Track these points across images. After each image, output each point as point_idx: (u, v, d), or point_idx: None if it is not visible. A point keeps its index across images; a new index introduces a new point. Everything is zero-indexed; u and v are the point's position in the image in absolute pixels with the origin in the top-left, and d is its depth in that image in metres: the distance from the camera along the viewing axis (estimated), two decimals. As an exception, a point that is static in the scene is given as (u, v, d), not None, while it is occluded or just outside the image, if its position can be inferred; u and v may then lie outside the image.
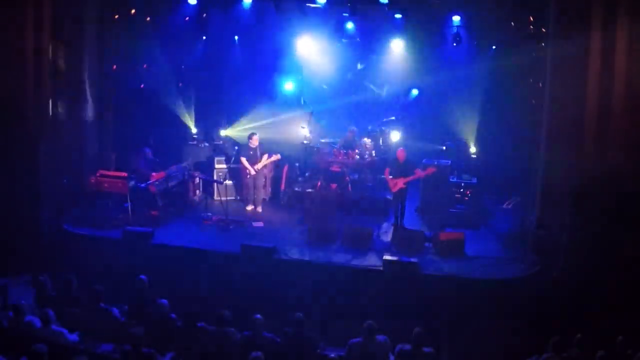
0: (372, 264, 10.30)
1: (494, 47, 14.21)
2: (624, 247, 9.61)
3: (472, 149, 14.40)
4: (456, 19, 13.64)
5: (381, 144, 15.05)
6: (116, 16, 12.99)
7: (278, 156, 13.16)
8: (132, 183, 11.87)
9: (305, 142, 14.98)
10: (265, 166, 13.12)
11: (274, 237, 11.26)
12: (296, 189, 13.89)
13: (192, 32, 14.95)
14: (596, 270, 9.59)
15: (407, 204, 12.27)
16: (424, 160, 13.09)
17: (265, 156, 12.95)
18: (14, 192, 11.05)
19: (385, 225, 12.18)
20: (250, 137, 13.00)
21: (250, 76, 15.94)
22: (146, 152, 12.60)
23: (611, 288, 9.38)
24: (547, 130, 10.82)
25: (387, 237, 11.53)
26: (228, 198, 13.54)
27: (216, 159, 14.02)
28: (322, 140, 15.19)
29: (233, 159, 13.80)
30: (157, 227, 11.39)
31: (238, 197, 13.70)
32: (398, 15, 13.86)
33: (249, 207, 13.06)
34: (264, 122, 15.09)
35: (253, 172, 12.81)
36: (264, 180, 13.41)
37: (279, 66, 16.01)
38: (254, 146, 12.91)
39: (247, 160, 12.89)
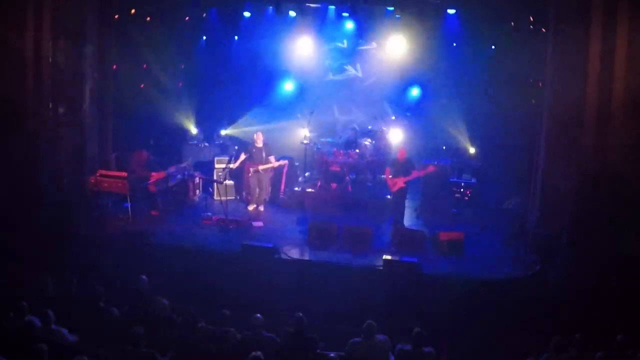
0: (372, 264, 10.30)
1: (493, 46, 14.21)
2: (624, 247, 9.61)
3: (472, 149, 14.40)
4: (456, 19, 13.64)
5: (381, 144, 15.04)
6: (116, 16, 12.99)
7: (285, 162, 13.14)
8: (132, 183, 11.86)
9: (305, 142, 14.99)
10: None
11: (274, 237, 11.26)
12: (296, 189, 13.90)
13: (192, 32, 14.96)
14: (596, 270, 9.59)
15: (407, 204, 12.28)
16: (423, 161, 13.09)
17: (272, 158, 12.90)
18: (14, 192, 11.05)
19: (385, 225, 12.17)
20: (255, 135, 12.99)
21: (250, 76, 15.95)
22: (142, 155, 12.47)
23: (611, 288, 9.38)
24: (547, 130, 10.83)
25: (387, 237, 11.52)
26: (228, 198, 13.56)
27: (216, 159, 14.03)
28: (323, 139, 15.20)
29: (232, 159, 13.80)
30: (157, 227, 11.39)
31: (238, 197, 13.69)
32: (398, 15, 13.86)
33: (251, 207, 13.03)
34: (263, 121, 15.10)
35: (249, 165, 12.78)
36: (267, 179, 13.41)
37: (279, 66, 16.00)
38: (259, 146, 12.89)
39: (250, 159, 12.86)
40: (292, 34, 15.07)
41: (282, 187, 13.89)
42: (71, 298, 8.31)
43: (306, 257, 10.62)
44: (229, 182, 13.63)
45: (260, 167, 12.84)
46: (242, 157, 12.99)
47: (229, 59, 15.99)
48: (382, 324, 7.68)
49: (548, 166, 10.81)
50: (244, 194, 13.61)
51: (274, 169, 13.27)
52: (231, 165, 13.00)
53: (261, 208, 13.09)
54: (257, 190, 13.08)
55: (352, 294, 9.88)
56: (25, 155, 11.27)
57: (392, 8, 13.51)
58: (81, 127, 12.17)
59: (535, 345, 7.93)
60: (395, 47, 14.88)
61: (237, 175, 13.66)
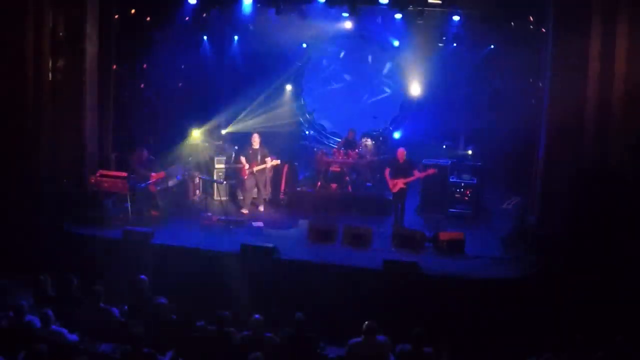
0: (372, 264, 10.29)
1: (492, 46, 14.21)
2: (624, 247, 9.61)
3: (470, 151, 14.41)
4: (456, 18, 13.65)
5: (381, 144, 15.06)
6: (116, 16, 12.99)
7: (278, 162, 13.09)
8: (132, 183, 11.86)
9: (305, 142, 15.01)
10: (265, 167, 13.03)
11: (274, 237, 11.26)
12: (296, 189, 13.90)
13: (192, 32, 14.96)
14: (596, 270, 9.59)
15: (407, 204, 12.28)
16: (423, 161, 13.10)
17: (268, 159, 12.82)
18: (14, 192, 11.05)
19: (385, 225, 12.17)
20: (252, 137, 12.94)
21: (250, 76, 15.96)
22: (143, 153, 12.49)
23: (611, 288, 9.38)
24: (547, 130, 10.83)
25: (387, 237, 11.52)
26: (228, 198, 13.55)
27: (216, 159, 14.02)
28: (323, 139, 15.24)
29: (233, 159, 13.80)
30: (157, 227, 11.39)
31: (240, 197, 13.65)
32: (398, 15, 13.86)
33: (245, 211, 12.87)
34: (263, 121, 15.12)
35: (247, 167, 12.66)
36: (265, 179, 13.38)
37: (279, 66, 16.02)
38: (255, 147, 12.84)
39: (246, 160, 12.81)
40: (292, 33, 15.09)
41: (282, 187, 13.88)
42: (71, 298, 8.31)
43: (306, 257, 10.61)
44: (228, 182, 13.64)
45: (255, 168, 12.77)
46: (243, 160, 12.87)
47: (229, 59, 15.99)
48: (382, 324, 7.68)
49: (548, 166, 10.80)
50: (238, 191, 13.54)
51: (272, 169, 13.26)
52: (255, 169, 12.76)
53: (261, 208, 13.07)
54: (256, 191, 13.02)
55: (352, 294, 9.88)
56: (25, 155, 11.27)
57: (392, 9, 13.51)
58: (81, 127, 12.16)
59: (535, 345, 7.93)
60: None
61: (232, 176, 13.59)
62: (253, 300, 9.57)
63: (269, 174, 13.64)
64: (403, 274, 9.93)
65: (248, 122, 15.30)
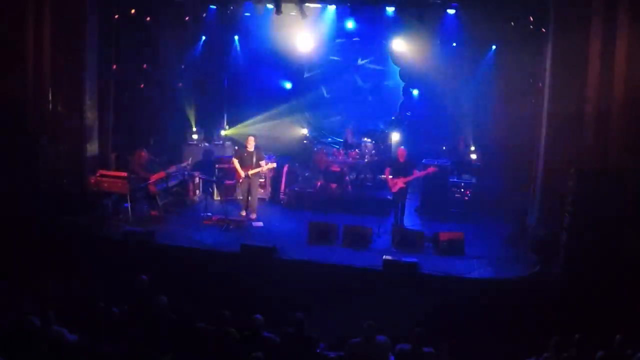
0: (372, 264, 10.29)
1: (493, 46, 14.21)
2: (624, 247, 9.61)
3: (472, 149, 14.41)
4: (455, 18, 13.63)
5: (381, 144, 15.06)
6: (116, 16, 12.99)
7: (274, 165, 12.92)
8: (131, 183, 11.85)
9: (305, 142, 15.00)
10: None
11: (274, 237, 11.26)
12: (296, 189, 13.89)
13: (192, 31, 14.96)
14: (596, 270, 9.59)
15: (407, 204, 12.28)
16: (423, 161, 13.10)
17: (263, 162, 12.53)
18: (13, 192, 11.05)
19: (385, 225, 12.17)
20: (247, 139, 12.66)
21: (250, 76, 15.96)
22: (142, 153, 12.44)
23: (611, 288, 9.38)
24: (547, 130, 10.83)
25: (387, 237, 11.52)
26: (228, 198, 13.54)
27: (216, 158, 14.01)
28: (323, 139, 15.23)
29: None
30: (157, 227, 11.39)
31: (240, 197, 13.60)
32: (397, 15, 13.83)
33: (243, 213, 12.62)
34: (263, 121, 15.12)
35: (242, 175, 12.33)
36: (259, 182, 13.23)
37: (279, 65, 16.01)
38: (250, 150, 12.45)
39: (240, 163, 12.42)
40: (292, 33, 15.07)
41: (282, 187, 13.87)
42: (71, 298, 8.31)
43: (306, 257, 10.61)
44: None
45: (250, 172, 12.55)
46: (236, 163, 12.54)
47: (228, 59, 15.99)
48: (382, 324, 7.68)
49: (548, 166, 10.81)
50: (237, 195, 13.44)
51: (272, 171, 13.19)
52: (250, 172, 12.38)
53: (253, 215, 12.50)
54: (248, 195, 12.53)
55: (352, 294, 9.88)
56: (25, 155, 11.28)
57: (392, 8, 13.50)
58: (81, 127, 12.16)
59: (535, 345, 7.93)
60: (396, 48, 14.94)
61: (233, 176, 13.53)
62: (253, 300, 9.56)
63: (268, 175, 13.62)
64: (403, 274, 9.93)
65: (248, 122, 15.30)
